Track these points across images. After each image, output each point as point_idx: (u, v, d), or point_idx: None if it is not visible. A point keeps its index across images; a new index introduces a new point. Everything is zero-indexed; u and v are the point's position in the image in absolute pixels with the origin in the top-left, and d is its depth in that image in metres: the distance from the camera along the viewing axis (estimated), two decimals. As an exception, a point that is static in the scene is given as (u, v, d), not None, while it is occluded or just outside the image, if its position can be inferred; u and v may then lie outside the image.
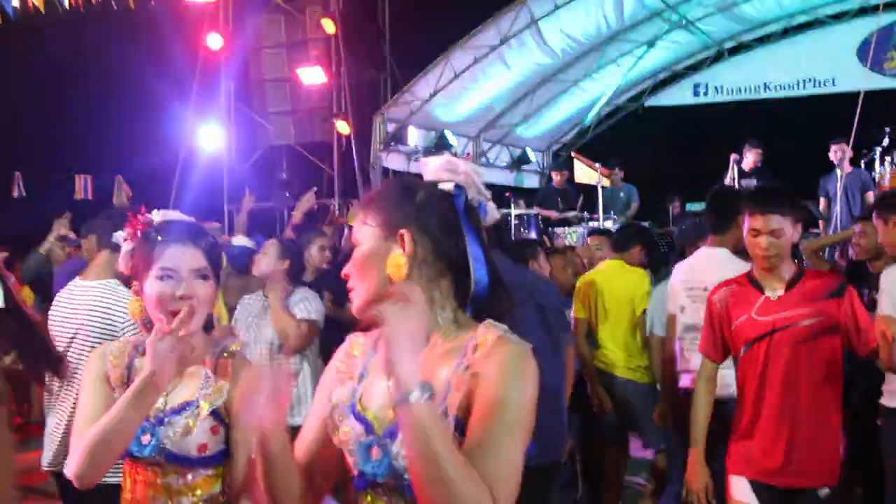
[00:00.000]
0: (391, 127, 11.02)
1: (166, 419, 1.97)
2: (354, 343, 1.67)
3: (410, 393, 1.30)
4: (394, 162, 11.18)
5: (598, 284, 4.98)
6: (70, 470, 1.93)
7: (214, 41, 11.61)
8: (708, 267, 3.86)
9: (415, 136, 11.23)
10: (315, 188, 6.99)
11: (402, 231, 1.50)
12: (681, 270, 4.08)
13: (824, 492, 2.96)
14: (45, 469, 3.10)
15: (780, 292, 3.02)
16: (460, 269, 1.53)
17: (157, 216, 2.09)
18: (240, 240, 5.25)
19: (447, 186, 1.55)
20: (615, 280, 4.96)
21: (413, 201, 1.53)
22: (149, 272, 1.99)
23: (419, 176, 1.63)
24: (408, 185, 1.58)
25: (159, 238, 2.01)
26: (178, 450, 1.95)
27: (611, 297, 4.93)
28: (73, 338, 3.04)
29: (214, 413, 1.98)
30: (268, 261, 4.20)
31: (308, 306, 4.20)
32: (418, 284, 1.50)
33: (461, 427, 1.42)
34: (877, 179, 9.03)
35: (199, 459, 1.97)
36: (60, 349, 3.04)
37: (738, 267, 3.44)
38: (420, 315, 1.37)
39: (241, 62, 12.22)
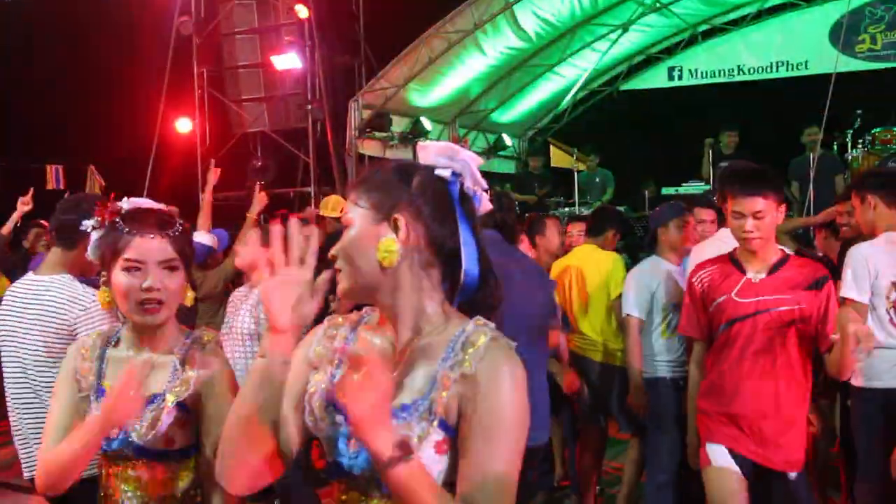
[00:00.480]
0: (366, 113, 10.95)
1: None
2: (333, 325, 1.62)
3: (388, 461, 1.29)
4: (370, 148, 11.12)
5: (573, 269, 4.99)
6: (37, 483, 1.92)
7: (186, 27, 11.47)
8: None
9: (390, 122, 11.17)
10: (261, 182, 6.78)
11: (397, 215, 1.45)
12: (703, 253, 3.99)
13: (793, 475, 3.00)
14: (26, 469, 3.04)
15: (763, 275, 3.03)
16: (451, 259, 1.48)
17: (125, 204, 2.05)
18: (200, 235, 5.16)
19: (444, 173, 1.50)
20: (590, 264, 4.97)
21: (409, 185, 1.48)
22: (116, 263, 1.96)
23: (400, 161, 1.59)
24: (404, 167, 1.53)
25: (126, 228, 1.97)
26: (145, 443, 1.93)
27: (585, 281, 4.94)
28: (27, 335, 2.95)
29: (181, 406, 1.95)
30: (249, 249, 4.07)
31: None
32: (409, 271, 1.46)
33: (445, 426, 1.40)
34: (849, 161, 9.12)
35: (166, 453, 1.95)
36: (11, 345, 2.96)
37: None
38: (382, 384, 1.30)
39: (213, 48, 12.08)
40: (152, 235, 1.97)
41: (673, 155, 10.55)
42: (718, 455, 3.06)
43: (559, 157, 11.35)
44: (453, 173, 1.50)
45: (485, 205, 1.55)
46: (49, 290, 2.93)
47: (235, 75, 12.09)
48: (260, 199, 5.60)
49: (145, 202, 2.09)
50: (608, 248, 5.09)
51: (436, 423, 1.39)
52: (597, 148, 10.79)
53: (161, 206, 2.11)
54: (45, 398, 2.80)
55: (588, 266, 4.97)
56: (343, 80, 11.72)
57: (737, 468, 3.01)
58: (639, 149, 11.73)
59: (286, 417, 1.52)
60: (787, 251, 3.17)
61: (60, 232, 3.01)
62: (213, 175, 5.83)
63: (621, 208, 8.63)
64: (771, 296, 2.98)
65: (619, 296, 4.73)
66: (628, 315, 4.49)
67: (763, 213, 2.96)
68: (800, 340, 2.96)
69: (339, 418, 1.47)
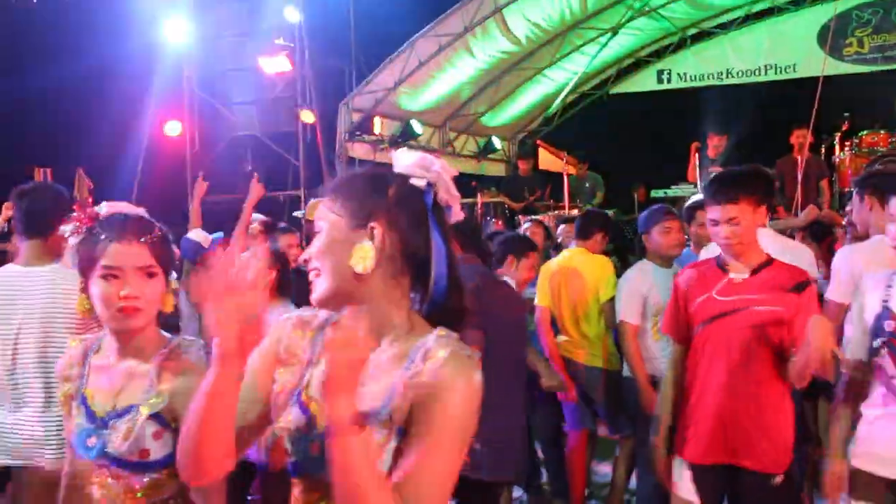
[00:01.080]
0: (356, 116, 10.95)
1: (111, 422, 1.93)
2: (305, 319, 1.63)
3: (342, 426, 1.31)
4: (359, 151, 11.12)
5: (561, 272, 5.01)
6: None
7: (176, 29, 11.44)
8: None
9: (380, 126, 11.17)
10: (256, 173, 6.76)
11: (373, 223, 1.47)
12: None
13: (777, 479, 2.99)
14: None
15: (745, 276, 3.04)
16: (421, 269, 1.50)
17: (104, 209, 2.03)
18: (196, 233, 5.12)
19: (419, 182, 1.52)
20: (578, 267, 4.98)
21: (384, 194, 1.50)
22: (93, 270, 1.93)
23: (384, 166, 1.61)
24: (379, 176, 1.55)
25: (103, 235, 1.94)
26: (120, 454, 1.91)
27: (574, 284, 4.95)
28: (24, 324, 2.94)
29: (157, 417, 1.92)
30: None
31: None
32: (381, 280, 1.48)
33: (403, 434, 1.42)
34: (836, 164, 9.17)
35: (141, 464, 1.92)
36: None
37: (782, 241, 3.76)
38: (364, 349, 1.34)
39: (203, 51, 12.05)
40: (129, 241, 1.93)
41: (662, 158, 10.58)
42: (684, 486, 3.09)
43: (549, 161, 11.36)
44: (427, 183, 1.53)
45: (456, 215, 1.56)
46: (54, 280, 2.92)
47: (225, 78, 12.07)
48: (256, 190, 5.60)
49: (124, 207, 2.05)
50: (597, 251, 5.11)
51: (395, 430, 1.42)
52: (586, 151, 10.81)
53: (140, 210, 2.07)
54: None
55: (577, 269, 4.98)
56: (333, 83, 11.72)
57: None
58: (628, 152, 11.76)
59: (247, 409, 1.54)
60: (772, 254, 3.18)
61: (32, 223, 3.01)
62: (200, 188, 5.83)
63: (611, 211, 8.64)
64: (751, 295, 2.99)
65: (610, 299, 4.76)
66: (622, 321, 4.51)
67: (738, 219, 2.98)
68: (778, 342, 2.96)
69: (306, 418, 1.48)
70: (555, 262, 5.16)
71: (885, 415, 2.74)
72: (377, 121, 11.09)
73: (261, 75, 11.54)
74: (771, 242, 3.64)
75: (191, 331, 4.25)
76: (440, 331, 1.47)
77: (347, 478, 1.31)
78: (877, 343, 2.72)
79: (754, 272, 3.04)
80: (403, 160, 1.55)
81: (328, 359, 1.32)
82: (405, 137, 11.16)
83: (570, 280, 4.97)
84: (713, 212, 3.03)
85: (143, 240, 1.95)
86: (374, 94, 10.87)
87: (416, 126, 11.26)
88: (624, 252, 7.96)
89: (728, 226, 2.99)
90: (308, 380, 1.54)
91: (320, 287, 1.50)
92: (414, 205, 1.51)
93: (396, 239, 1.49)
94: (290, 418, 1.50)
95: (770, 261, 3.08)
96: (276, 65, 11.17)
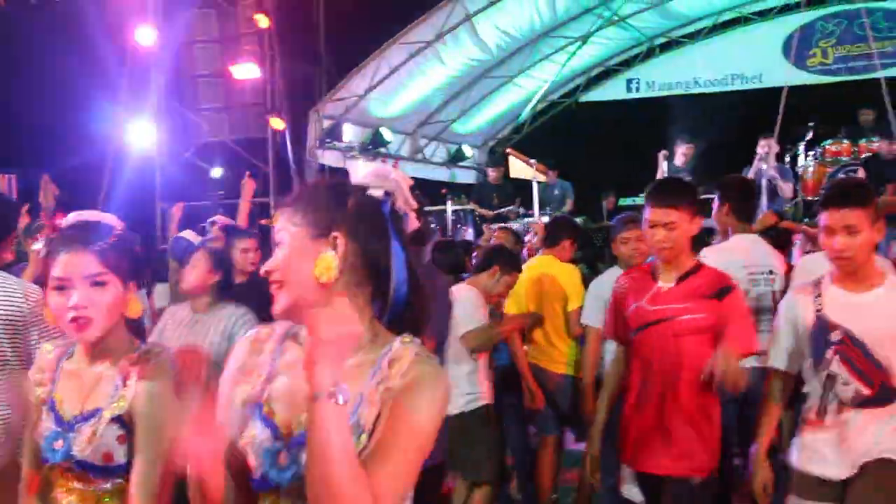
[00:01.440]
0: (326, 123, 10.93)
1: (76, 426, 1.93)
2: (261, 337, 1.63)
3: (323, 392, 1.31)
4: (329, 159, 11.10)
5: (529, 280, 5.03)
6: None
7: (144, 35, 11.35)
8: (753, 249, 4.03)
9: (350, 133, 11.16)
10: (249, 173, 6.82)
11: (335, 233, 1.49)
12: (725, 255, 3.99)
13: (696, 480, 3.05)
14: None
15: (671, 284, 3.11)
16: (382, 278, 1.52)
17: (70, 218, 2.01)
18: (188, 233, 5.05)
19: (377, 193, 1.55)
20: (546, 275, 5.01)
21: (345, 204, 1.52)
22: (48, 282, 1.93)
23: (346, 174, 1.63)
24: (339, 187, 1.57)
25: (58, 245, 1.93)
26: (85, 458, 1.91)
27: (542, 292, 4.98)
28: None
29: (120, 421, 1.93)
30: (197, 273, 3.95)
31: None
32: (343, 290, 1.49)
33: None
34: (800, 174, 9.32)
35: (104, 468, 1.92)
36: None
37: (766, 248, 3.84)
38: (354, 325, 1.37)
39: (172, 57, 11.96)
40: (77, 251, 1.91)
41: (631, 166, 10.67)
42: (630, 490, 3.18)
43: (519, 168, 11.42)
44: (385, 193, 1.56)
45: (413, 223, 1.59)
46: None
47: (194, 84, 11.99)
48: (249, 187, 5.65)
49: (90, 215, 2.03)
50: (565, 259, 5.14)
51: (364, 437, 1.43)
52: (556, 159, 10.89)
53: (106, 217, 2.04)
54: None
55: (545, 277, 5.01)
56: (303, 90, 11.69)
57: None
58: (598, 160, 11.85)
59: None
60: (702, 261, 3.24)
61: None
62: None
63: (580, 219, 8.71)
64: (676, 304, 3.06)
65: (578, 307, 4.79)
66: (586, 325, 4.56)
67: (674, 225, 3.03)
68: (702, 349, 3.03)
69: (270, 430, 1.49)
70: (523, 270, 5.18)
71: (828, 418, 2.83)
72: (347, 128, 11.08)
73: (230, 81, 11.49)
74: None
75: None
76: (404, 337, 1.50)
77: (322, 445, 1.31)
78: (827, 354, 2.79)
79: (680, 280, 3.10)
80: (361, 171, 1.58)
81: (317, 327, 1.33)
82: (375, 145, 11.16)
83: (539, 287, 5.00)
84: (652, 214, 3.09)
85: (91, 248, 1.92)
86: (344, 101, 10.87)
87: (386, 133, 11.27)
88: (593, 260, 8.01)
89: (664, 229, 3.05)
90: (269, 393, 1.54)
91: (283, 299, 1.51)
92: (373, 214, 1.53)
93: (357, 248, 1.50)
94: (253, 432, 1.50)
95: (697, 268, 3.15)
96: (245, 71, 11.12)
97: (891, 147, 8.44)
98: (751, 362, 3.33)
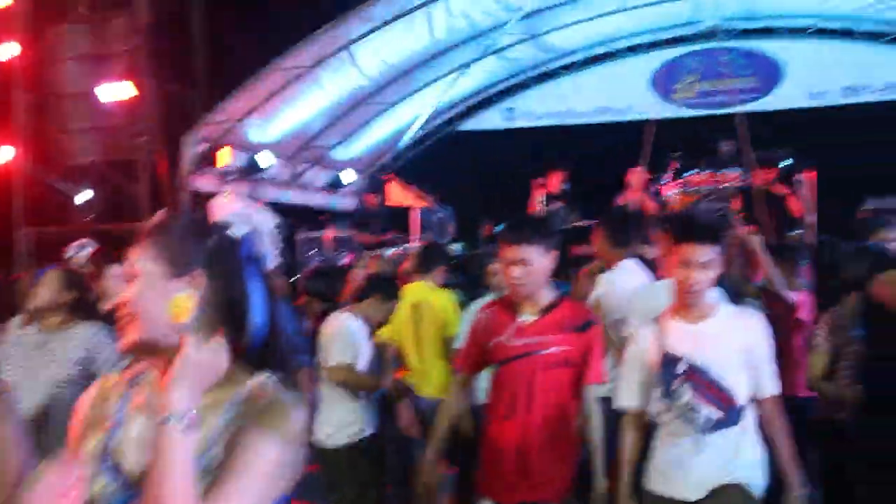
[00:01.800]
0: (202, 147, 10.67)
1: None
2: (108, 383, 1.59)
3: (172, 416, 1.30)
4: (204, 184, 10.82)
5: (406, 306, 5.05)
6: None
7: (9, 50, 10.81)
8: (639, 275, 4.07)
9: (227, 157, 10.92)
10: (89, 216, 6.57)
11: (194, 272, 1.46)
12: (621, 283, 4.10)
13: None
14: None
15: (533, 318, 3.17)
16: (239, 319, 1.50)
17: None
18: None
19: (238, 231, 1.54)
20: (423, 301, 5.04)
21: (204, 242, 1.50)
22: None
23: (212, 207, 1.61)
24: (199, 224, 1.55)
25: None
26: None
27: (419, 318, 5.01)
28: None
29: None
30: (48, 291, 3.79)
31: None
32: (199, 329, 1.46)
33: None
34: (666, 202, 9.75)
35: None
36: None
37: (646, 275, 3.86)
38: (218, 355, 1.36)
39: (38, 74, 11.43)
40: None
41: (508, 194, 10.90)
42: None
43: (399, 195, 11.49)
44: (247, 233, 1.56)
45: (272, 263, 1.60)
46: None
47: (63, 103, 11.48)
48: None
49: None
50: (439, 285, 5.19)
51: (213, 479, 1.40)
52: (436, 186, 11.00)
53: None
54: None
55: (422, 303, 5.04)
56: (179, 111, 11.38)
57: None
58: (476, 187, 12.05)
59: None
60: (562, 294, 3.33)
61: None
62: None
63: (459, 245, 8.82)
64: (539, 337, 3.13)
65: (455, 333, 4.84)
66: (457, 349, 4.61)
67: (528, 261, 3.10)
68: (567, 380, 3.13)
69: (119, 481, 1.44)
70: (400, 297, 5.19)
71: (678, 442, 2.98)
72: (225, 152, 10.84)
73: (102, 101, 11.07)
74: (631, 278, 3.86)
75: None
76: (260, 376, 1.48)
77: (163, 470, 1.29)
78: (675, 384, 2.93)
79: (542, 314, 3.17)
80: (222, 209, 1.57)
81: (184, 352, 1.33)
82: (252, 170, 10.97)
83: (415, 314, 5.02)
84: (507, 252, 3.14)
85: None
86: (220, 124, 10.65)
87: (263, 159, 11.04)
88: (470, 286, 8.11)
89: (519, 267, 3.10)
90: (117, 442, 1.49)
91: (132, 334, 1.47)
92: (233, 254, 1.52)
93: (215, 288, 1.48)
94: (102, 484, 1.46)
95: (558, 301, 3.22)
96: (117, 91, 10.74)
97: (745, 179, 8.97)
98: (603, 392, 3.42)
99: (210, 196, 9.77)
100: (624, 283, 4.03)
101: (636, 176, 9.09)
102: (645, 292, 3.80)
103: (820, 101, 11.87)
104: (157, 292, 1.45)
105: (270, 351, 1.53)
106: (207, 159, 10.73)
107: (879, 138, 10.04)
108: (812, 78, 11.95)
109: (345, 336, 4.43)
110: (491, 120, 13.64)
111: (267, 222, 1.36)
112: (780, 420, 3.01)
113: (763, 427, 3.03)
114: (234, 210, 1.26)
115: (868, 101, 11.61)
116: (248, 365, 1.52)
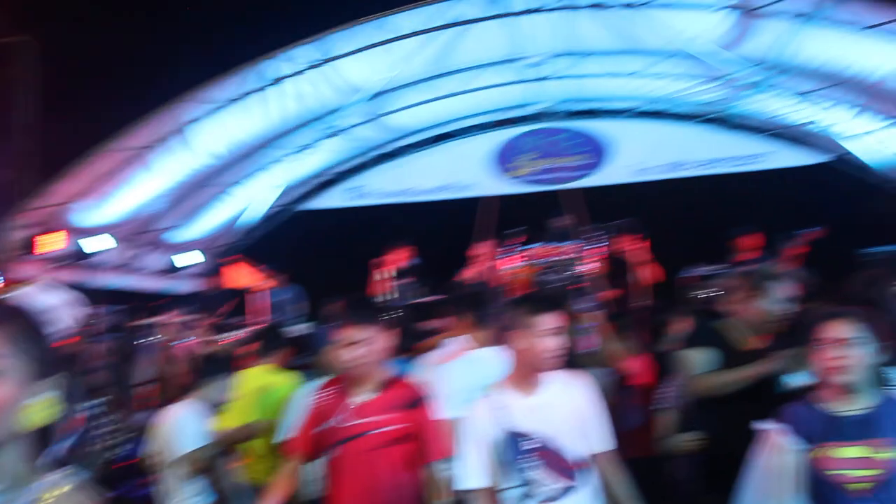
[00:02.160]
0: (25, 232, 9.98)
1: None
2: None
3: None
4: (28, 269, 10.08)
5: (250, 390, 4.81)
6: None
7: None
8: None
9: (54, 242, 10.24)
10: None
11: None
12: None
13: None
14: None
15: (366, 398, 3.17)
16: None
17: None
18: None
19: (50, 326, 1.42)
20: (267, 384, 4.83)
21: (11, 334, 1.37)
22: None
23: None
24: (5, 313, 1.42)
25: None
26: None
27: (263, 401, 4.77)
28: None
29: None
30: None
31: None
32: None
33: None
34: (512, 274, 9.97)
35: None
36: None
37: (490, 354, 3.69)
38: None
39: None
40: None
41: (355, 271, 10.83)
42: None
43: (245, 275, 11.17)
44: (55, 323, 1.42)
45: (84, 363, 1.49)
46: None
47: None
48: None
49: None
50: (284, 367, 4.99)
51: None
52: (284, 264, 10.79)
53: None
54: None
55: (266, 386, 4.82)
56: (3, 195, 10.66)
57: None
58: (323, 265, 11.91)
59: None
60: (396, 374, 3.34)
61: None
62: None
63: (308, 324, 8.60)
64: (374, 417, 3.12)
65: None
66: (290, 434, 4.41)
67: (369, 341, 3.12)
68: (405, 457, 3.10)
69: None
70: (243, 380, 4.94)
71: None
72: (48, 237, 10.17)
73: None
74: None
75: None
76: (57, 473, 1.37)
77: None
78: (520, 460, 2.90)
79: (376, 393, 3.17)
80: (35, 299, 1.45)
81: None
82: (80, 257, 10.33)
83: (260, 397, 4.78)
84: (347, 332, 3.14)
85: None
86: (46, 208, 10.03)
87: (91, 243, 10.40)
88: (314, 367, 7.90)
89: (358, 346, 3.11)
90: None
91: None
92: (41, 346, 1.41)
93: (20, 382, 1.36)
94: None
95: (391, 380, 3.24)
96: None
97: (581, 251, 9.36)
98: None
99: (35, 282, 9.10)
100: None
101: (481, 250, 9.24)
102: (473, 366, 3.77)
103: (647, 176, 12.62)
104: None
105: (78, 447, 1.42)
106: (28, 246, 10.03)
107: (701, 209, 10.75)
108: (640, 155, 12.71)
109: (187, 425, 4.14)
110: (337, 197, 13.66)
111: (83, 313, 1.25)
112: (619, 473, 3.06)
113: (604, 481, 3.04)
114: (49, 305, 1.15)
115: (690, 176, 12.46)
116: (55, 463, 1.40)
